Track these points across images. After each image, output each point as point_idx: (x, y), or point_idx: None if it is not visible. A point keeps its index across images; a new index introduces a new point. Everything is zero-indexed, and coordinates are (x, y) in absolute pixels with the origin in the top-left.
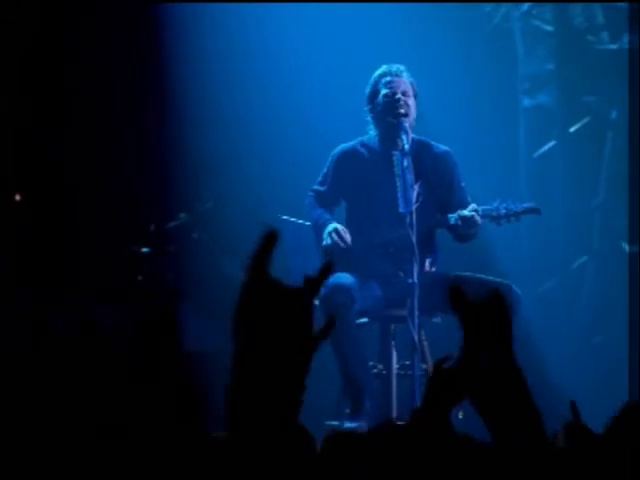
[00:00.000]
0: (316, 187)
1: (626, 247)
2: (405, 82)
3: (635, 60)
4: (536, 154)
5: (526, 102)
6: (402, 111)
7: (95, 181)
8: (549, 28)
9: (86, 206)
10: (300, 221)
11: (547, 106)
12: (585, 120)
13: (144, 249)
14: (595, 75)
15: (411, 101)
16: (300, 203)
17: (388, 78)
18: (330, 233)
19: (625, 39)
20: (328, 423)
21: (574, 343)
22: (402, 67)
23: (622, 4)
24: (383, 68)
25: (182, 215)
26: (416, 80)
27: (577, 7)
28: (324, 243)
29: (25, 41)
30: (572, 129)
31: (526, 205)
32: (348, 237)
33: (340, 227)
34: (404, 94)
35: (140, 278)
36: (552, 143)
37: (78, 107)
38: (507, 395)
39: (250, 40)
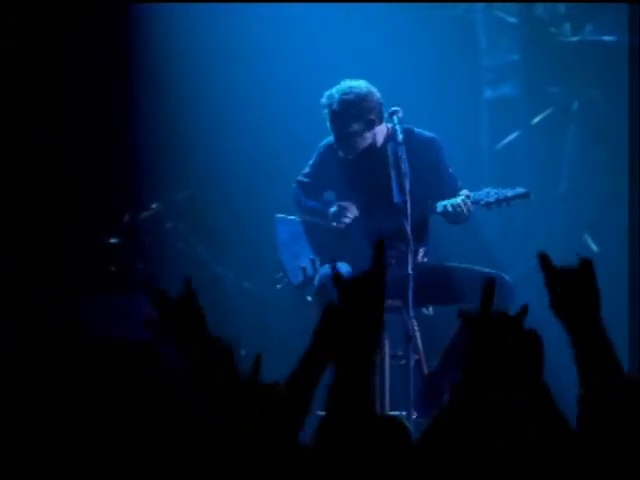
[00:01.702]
0: (302, 179)
1: (588, 239)
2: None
3: (635, 60)
4: (499, 145)
5: (489, 93)
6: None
7: (68, 171)
8: (512, 20)
9: (59, 197)
10: (292, 217)
11: (510, 97)
12: (548, 111)
13: (113, 240)
14: (558, 67)
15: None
16: (278, 193)
17: (326, 111)
18: (336, 212)
19: (587, 31)
20: (319, 413)
21: None
22: (348, 91)
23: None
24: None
25: (154, 205)
26: (379, 75)
27: None
28: (333, 224)
29: (25, 41)
30: (535, 120)
31: (517, 190)
32: (354, 209)
33: (343, 203)
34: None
35: (113, 269)
36: (515, 134)
37: (52, 97)
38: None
39: (232, 35)
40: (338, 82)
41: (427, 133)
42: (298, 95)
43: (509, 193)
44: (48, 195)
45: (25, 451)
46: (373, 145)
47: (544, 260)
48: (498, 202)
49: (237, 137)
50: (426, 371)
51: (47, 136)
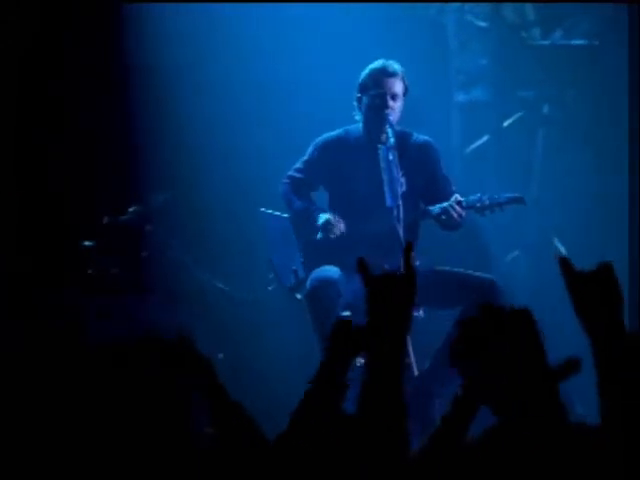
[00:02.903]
0: (294, 174)
1: (557, 242)
2: (397, 82)
3: (635, 61)
4: (470, 148)
5: (460, 97)
6: (387, 112)
7: (49, 173)
8: (483, 24)
9: (39, 199)
10: (277, 213)
11: (481, 101)
12: (518, 115)
13: (88, 243)
14: (528, 70)
15: (399, 102)
16: (259, 195)
17: (381, 77)
18: (324, 225)
19: (557, 35)
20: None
21: None
22: (397, 66)
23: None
24: (379, 64)
25: (133, 209)
26: (353, 73)
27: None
28: (318, 236)
29: (25, 41)
30: (505, 123)
31: (510, 195)
32: (342, 226)
33: (333, 217)
34: (393, 96)
35: (90, 272)
36: (486, 137)
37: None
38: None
39: (216, 35)
40: (308, 81)
41: (422, 137)
42: (285, 96)
43: (502, 198)
44: (29, 196)
45: (24, 451)
46: (370, 145)
47: (565, 264)
48: (491, 207)
49: (218, 138)
50: (416, 374)
51: (33, 137)
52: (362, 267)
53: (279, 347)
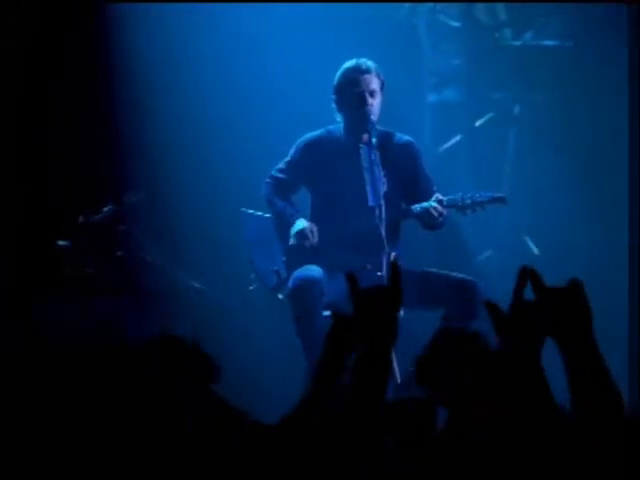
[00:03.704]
0: (276, 174)
1: (529, 242)
2: (373, 79)
3: (635, 61)
4: (442, 148)
5: (432, 97)
6: (366, 109)
7: (22, 171)
8: (455, 24)
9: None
10: (259, 213)
11: (453, 101)
12: (489, 115)
13: (62, 242)
14: (500, 71)
15: (378, 98)
16: (239, 195)
17: (356, 75)
18: (298, 233)
19: (528, 36)
20: None
21: None
22: (371, 63)
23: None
24: (352, 63)
25: (106, 209)
26: (325, 74)
27: (481, 4)
28: (291, 242)
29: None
30: (477, 123)
31: (491, 194)
32: (316, 236)
33: (307, 226)
34: (371, 93)
35: (67, 271)
36: (458, 138)
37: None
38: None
39: (198, 35)
40: (283, 82)
41: (404, 137)
42: (263, 96)
43: (484, 197)
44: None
45: (22, 451)
46: (352, 145)
47: (534, 278)
48: (473, 206)
49: (196, 138)
50: (398, 377)
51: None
52: (351, 280)
53: (259, 347)
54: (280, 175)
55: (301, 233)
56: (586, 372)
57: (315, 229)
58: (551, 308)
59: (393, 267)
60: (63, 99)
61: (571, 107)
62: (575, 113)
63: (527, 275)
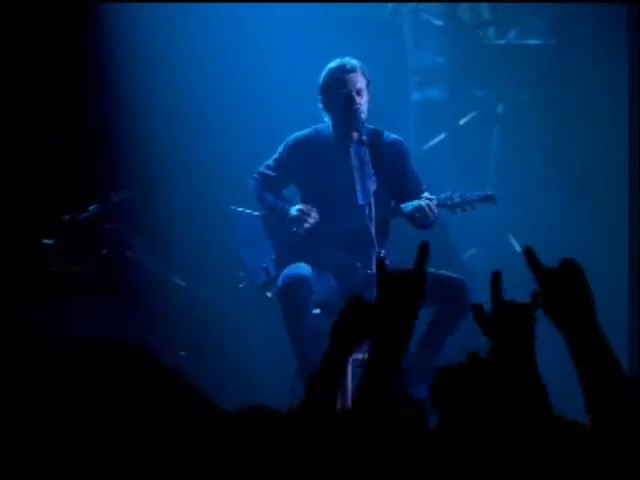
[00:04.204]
0: (265, 171)
1: (513, 240)
2: (359, 77)
3: (635, 61)
4: (426, 147)
5: (416, 96)
6: (356, 108)
7: (9, 168)
8: (439, 22)
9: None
10: (248, 211)
11: (437, 100)
12: (473, 114)
13: (47, 241)
14: (484, 69)
15: (365, 96)
16: (226, 193)
17: (342, 75)
18: (296, 217)
19: (512, 35)
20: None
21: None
22: (355, 61)
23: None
24: (337, 63)
25: (92, 207)
26: (311, 73)
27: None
28: (293, 229)
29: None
30: (461, 122)
31: (481, 193)
32: (315, 214)
33: (303, 207)
34: (358, 92)
35: (53, 269)
36: (442, 136)
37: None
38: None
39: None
40: (261, 81)
41: (393, 135)
42: (251, 96)
43: (474, 196)
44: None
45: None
46: (341, 143)
47: (531, 257)
48: (462, 205)
49: (184, 137)
50: None
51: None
52: (380, 265)
53: (249, 345)
54: (269, 172)
55: (300, 213)
56: (590, 354)
57: (313, 210)
58: (551, 289)
59: (422, 252)
60: (53, 98)
61: (554, 106)
62: (558, 112)
63: (499, 279)
